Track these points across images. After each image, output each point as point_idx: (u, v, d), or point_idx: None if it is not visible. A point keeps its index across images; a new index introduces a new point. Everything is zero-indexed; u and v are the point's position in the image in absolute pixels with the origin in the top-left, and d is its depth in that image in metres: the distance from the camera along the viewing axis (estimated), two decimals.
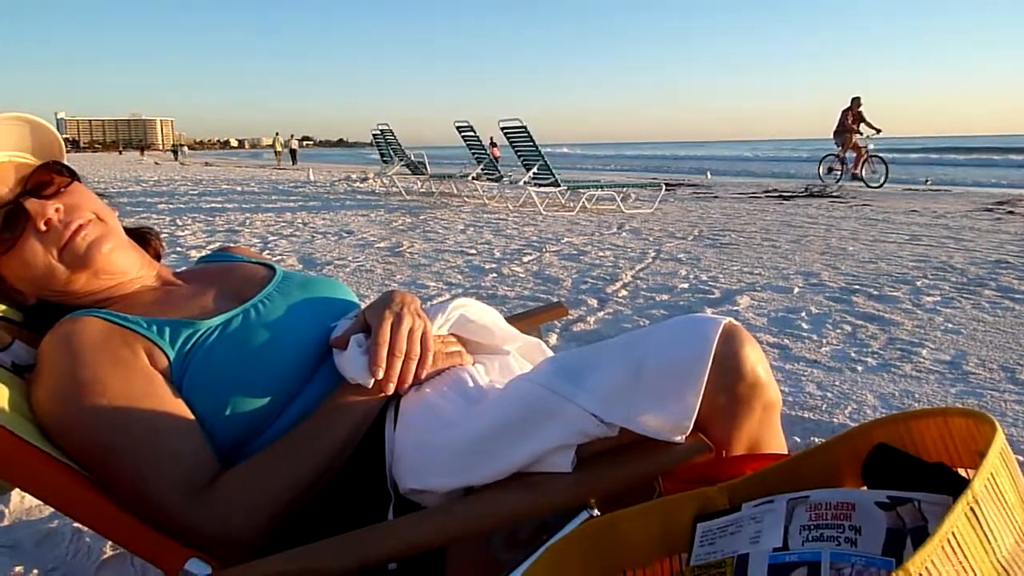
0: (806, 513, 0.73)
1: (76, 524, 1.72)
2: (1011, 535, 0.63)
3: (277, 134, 39.08)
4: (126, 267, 1.18)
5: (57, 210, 1.09)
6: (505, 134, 11.15)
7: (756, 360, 0.97)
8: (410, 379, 1.10)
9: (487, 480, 0.97)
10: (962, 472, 0.76)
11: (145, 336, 1.06)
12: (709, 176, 20.75)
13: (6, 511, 1.83)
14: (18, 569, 1.60)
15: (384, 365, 1.07)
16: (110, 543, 1.65)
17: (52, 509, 1.76)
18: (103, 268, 1.13)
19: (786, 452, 1.04)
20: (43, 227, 1.08)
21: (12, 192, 1.09)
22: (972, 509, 0.60)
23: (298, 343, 1.13)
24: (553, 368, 1.03)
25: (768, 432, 1.01)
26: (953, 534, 0.58)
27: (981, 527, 0.60)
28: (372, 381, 1.07)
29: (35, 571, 1.60)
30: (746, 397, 0.97)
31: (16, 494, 1.86)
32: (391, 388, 1.08)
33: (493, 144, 23.40)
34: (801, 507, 0.74)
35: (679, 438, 0.94)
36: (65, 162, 1.18)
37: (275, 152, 38.43)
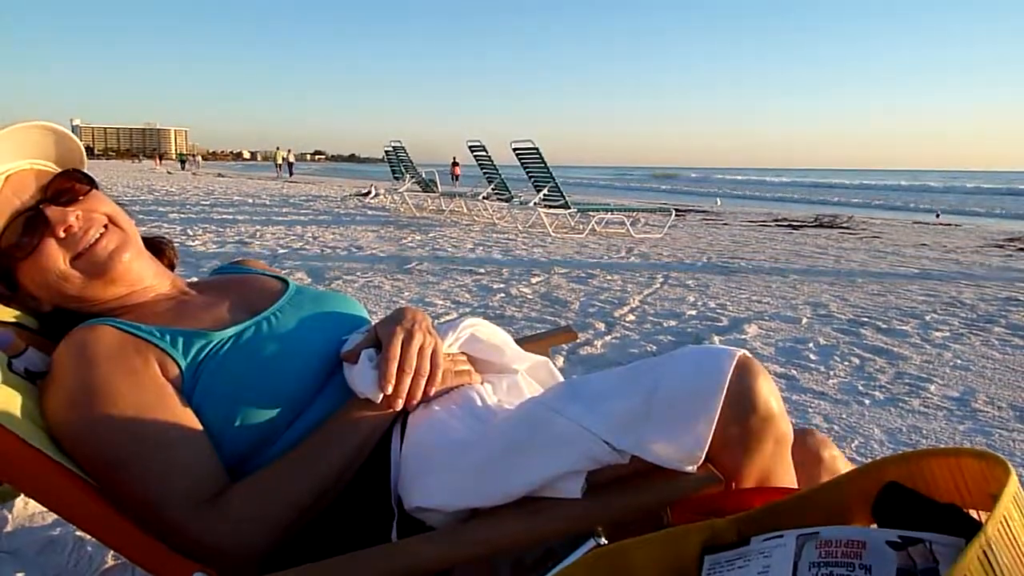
0: (816, 550, 0.72)
1: (79, 532, 1.72)
2: None
3: (278, 148, 43.99)
4: (143, 276, 1.19)
5: (77, 217, 1.10)
6: (517, 155, 11.20)
7: (769, 393, 0.97)
8: (419, 396, 1.10)
9: (494, 502, 0.96)
10: (974, 514, 0.76)
11: (158, 346, 1.06)
12: (719, 203, 20.78)
13: (9, 517, 1.83)
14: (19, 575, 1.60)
15: (394, 381, 1.07)
16: (112, 553, 1.64)
17: (55, 516, 1.76)
18: (121, 276, 1.14)
19: (796, 486, 1.03)
20: (62, 234, 1.09)
21: (33, 199, 1.10)
22: (985, 552, 0.60)
23: (309, 357, 1.14)
24: (565, 392, 1.03)
25: (779, 466, 1.01)
26: None
27: (994, 571, 0.60)
28: (381, 396, 1.07)
29: None
30: (758, 431, 0.96)
31: (20, 500, 1.86)
32: (400, 404, 1.08)
33: (455, 164, 23.66)
34: (811, 543, 0.73)
35: (690, 468, 0.94)
36: (86, 171, 1.19)
37: (276, 165, 43.66)
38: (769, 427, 0.97)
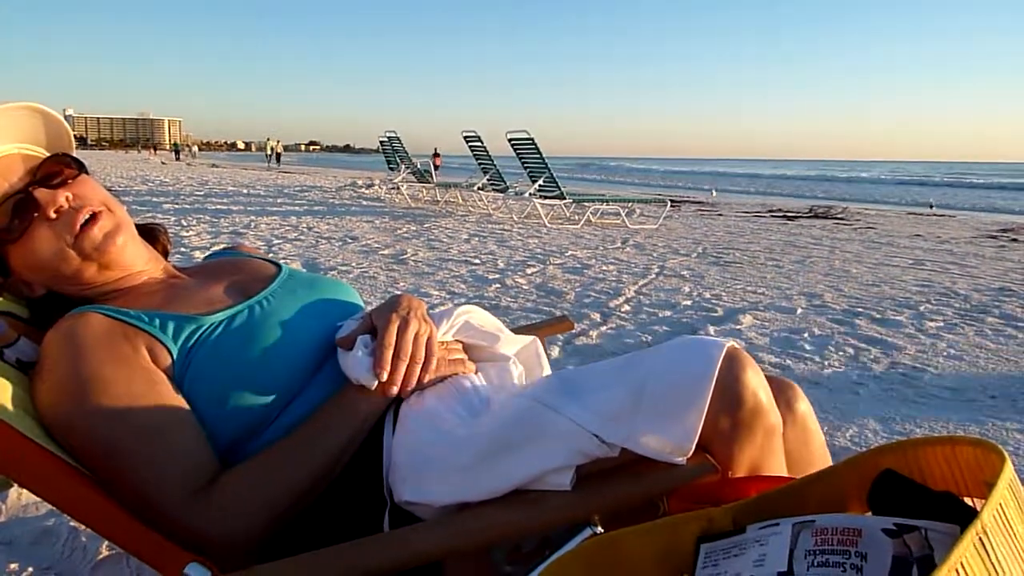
0: (812, 538, 0.72)
1: (73, 523, 1.72)
2: (1019, 567, 0.62)
3: (268, 139, 45.70)
4: (136, 260, 1.18)
5: (67, 199, 1.09)
6: (512, 146, 11.17)
7: (758, 385, 0.97)
8: (413, 383, 1.09)
9: (484, 497, 0.96)
10: (969, 501, 0.76)
11: (147, 331, 1.05)
12: (714, 194, 20.79)
13: (3, 508, 1.83)
14: (13, 566, 1.60)
15: (389, 367, 1.06)
16: (106, 543, 1.64)
17: (49, 507, 1.76)
18: (115, 259, 1.13)
19: (787, 475, 1.03)
20: (53, 215, 1.08)
21: (22, 182, 1.09)
22: (981, 539, 0.60)
23: (302, 341, 1.13)
24: (555, 386, 1.02)
25: (769, 457, 1.00)
26: (962, 564, 0.57)
27: (989, 558, 0.60)
28: (376, 383, 1.06)
29: (30, 569, 1.60)
30: (747, 422, 0.96)
31: (13, 491, 1.85)
32: (394, 391, 1.08)
33: (436, 155, 23.89)
34: (807, 531, 0.73)
35: (680, 460, 0.93)
36: (74, 154, 1.18)
37: (266, 156, 45.25)
38: (758, 419, 0.97)
